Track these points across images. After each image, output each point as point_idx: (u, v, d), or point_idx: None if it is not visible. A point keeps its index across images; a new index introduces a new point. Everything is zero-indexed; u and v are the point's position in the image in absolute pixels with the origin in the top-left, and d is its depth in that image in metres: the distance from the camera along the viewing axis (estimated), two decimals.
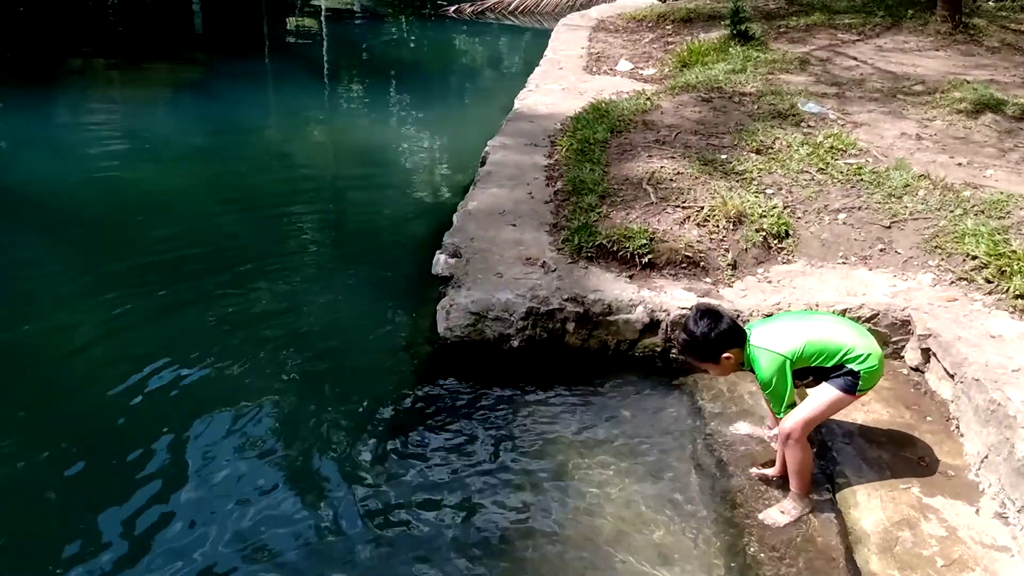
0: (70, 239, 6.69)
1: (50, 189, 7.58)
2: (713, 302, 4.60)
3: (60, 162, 8.38)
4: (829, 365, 3.59)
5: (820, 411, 3.65)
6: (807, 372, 3.65)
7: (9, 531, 3.67)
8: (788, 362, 3.54)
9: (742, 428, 4.29)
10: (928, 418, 4.16)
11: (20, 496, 3.90)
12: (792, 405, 3.63)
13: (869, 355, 3.56)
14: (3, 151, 8.66)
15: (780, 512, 3.76)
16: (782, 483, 3.88)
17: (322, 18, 17.65)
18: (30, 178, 7.84)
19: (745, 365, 3.67)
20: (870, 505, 3.58)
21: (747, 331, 3.65)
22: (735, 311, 4.63)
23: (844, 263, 5.14)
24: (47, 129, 9.52)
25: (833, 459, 3.91)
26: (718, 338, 3.57)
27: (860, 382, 3.57)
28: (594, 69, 9.44)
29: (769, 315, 4.55)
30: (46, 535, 3.68)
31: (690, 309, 3.82)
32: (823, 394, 3.63)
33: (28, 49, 13.61)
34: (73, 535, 3.64)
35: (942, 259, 5.03)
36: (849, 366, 3.56)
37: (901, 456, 3.87)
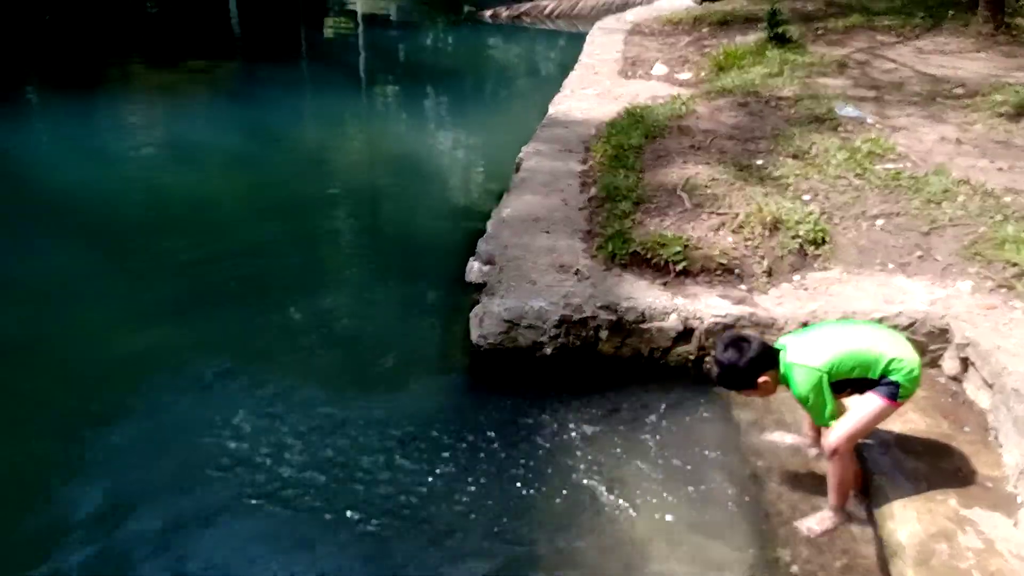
0: (106, 242, 6.82)
1: (87, 192, 7.73)
2: (746, 318, 4.59)
3: (97, 166, 8.54)
4: (868, 377, 3.55)
5: (865, 423, 3.61)
6: (845, 384, 3.60)
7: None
8: (825, 376, 3.51)
9: (777, 438, 4.27)
10: (966, 428, 4.10)
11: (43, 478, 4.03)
12: (835, 415, 3.60)
13: (908, 362, 3.52)
14: (42, 155, 8.84)
15: (816, 523, 3.74)
16: (818, 493, 3.86)
17: (358, 21, 17.77)
18: (67, 181, 8.00)
19: (781, 382, 3.64)
20: (906, 516, 3.54)
21: (781, 348, 3.63)
22: (771, 319, 4.62)
23: (882, 270, 5.09)
24: (85, 133, 9.69)
25: (869, 470, 3.87)
26: (748, 365, 3.54)
27: (900, 390, 3.54)
28: (629, 73, 9.42)
29: (805, 323, 4.52)
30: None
31: (718, 341, 3.79)
32: (867, 405, 3.59)
33: (67, 54, 13.87)
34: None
35: (982, 266, 4.96)
36: (891, 376, 3.52)
37: (938, 467, 3.82)
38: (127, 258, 6.53)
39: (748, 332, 4.01)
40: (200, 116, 10.39)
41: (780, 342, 3.69)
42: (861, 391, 3.62)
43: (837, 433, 3.60)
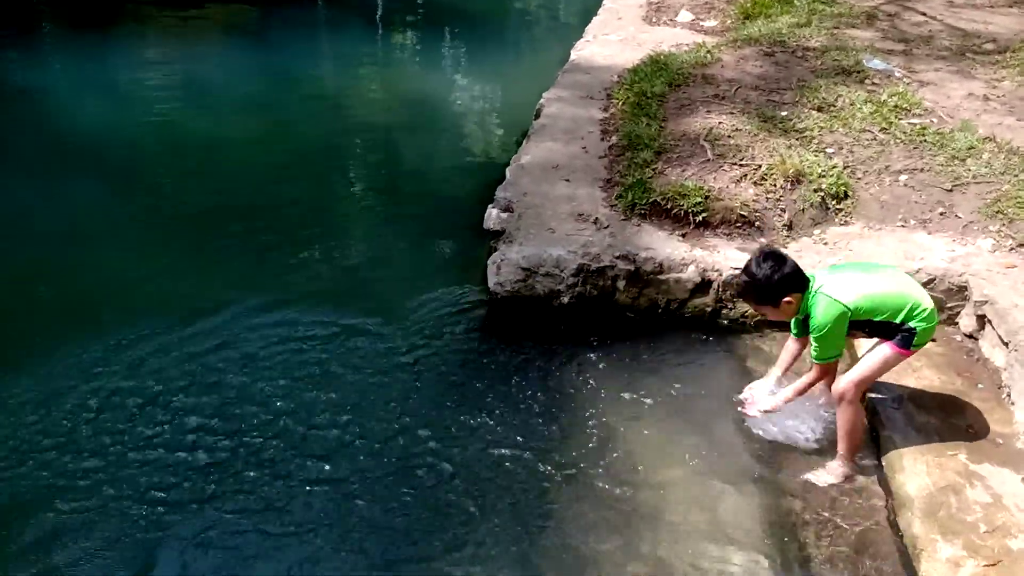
0: (122, 181, 6.84)
1: (102, 132, 7.73)
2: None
3: (113, 108, 8.51)
4: (891, 321, 3.55)
5: (874, 370, 3.66)
6: (864, 324, 3.61)
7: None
8: (848, 313, 3.51)
9: (786, 392, 4.29)
10: (979, 385, 4.12)
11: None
12: (836, 355, 3.63)
13: (927, 312, 3.54)
14: (58, 97, 8.82)
15: (826, 474, 3.79)
16: (829, 446, 3.91)
17: None
18: (82, 121, 7.99)
19: (801, 311, 3.64)
20: (916, 470, 3.59)
21: (811, 277, 3.61)
22: None
23: (903, 226, 5.06)
24: (100, 75, 9.62)
25: (881, 423, 3.91)
26: (781, 281, 3.53)
27: (916, 338, 3.56)
28: (654, 20, 9.26)
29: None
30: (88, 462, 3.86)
31: (753, 251, 3.78)
32: (877, 353, 3.63)
33: None
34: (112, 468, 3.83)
35: (1003, 224, 4.94)
36: (910, 323, 3.53)
37: (950, 422, 3.86)
38: (142, 199, 6.56)
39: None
40: (216, 58, 10.31)
41: (811, 273, 3.67)
42: (878, 333, 3.63)
43: (847, 379, 3.66)
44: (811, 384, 3.81)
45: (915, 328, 3.53)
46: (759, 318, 4.70)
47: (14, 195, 6.42)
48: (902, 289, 3.58)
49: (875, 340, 3.70)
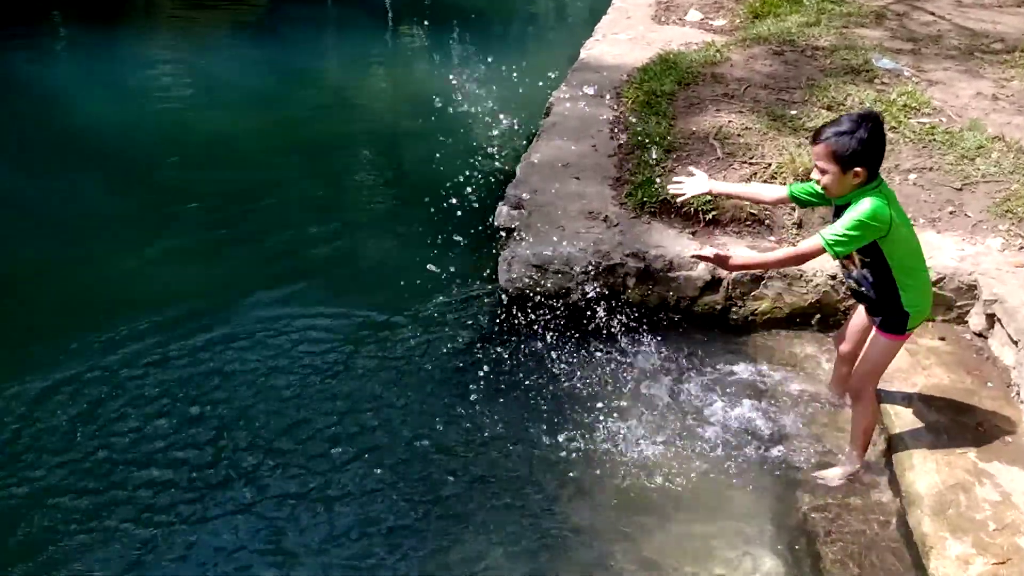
0: (129, 177, 6.90)
1: (113, 130, 7.77)
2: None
3: (122, 103, 8.56)
4: (891, 272, 3.39)
5: (877, 361, 3.65)
6: (872, 253, 3.39)
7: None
8: (887, 228, 3.28)
9: (800, 388, 4.33)
10: (989, 384, 4.14)
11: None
12: (838, 252, 3.36)
13: (927, 293, 3.54)
14: (66, 90, 8.87)
15: (835, 471, 3.81)
16: (840, 444, 3.92)
17: None
18: (92, 116, 8.04)
19: (847, 196, 3.36)
20: (925, 468, 3.60)
21: (881, 179, 3.38)
22: (799, 271, 4.64)
23: (913, 225, 5.04)
24: (110, 71, 9.67)
25: (891, 422, 3.92)
26: (871, 150, 3.26)
27: (909, 321, 3.50)
28: (663, 19, 9.27)
29: (833, 276, 4.57)
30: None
31: (861, 110, 3.55)
32: (874, 346, 3.62)
33: None
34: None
35: (1012, 223, 4.95)
36: (903, 295, 3.43)
37: (959, 421, 3.87)
38: (151, 194, 6.60)
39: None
40: (224, 53, 10.35)
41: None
42: (869, 281, 3.48)
43: (857, 377, 3.69)
44: (783, 259, 3.65)
45: (907, 312, 3.46)
46: (768, 316, 4.72)
47: (23, 188, 6.50)
48: (922, 256, 3.53)
49: (871, 333, 3.68)
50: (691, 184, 3.98)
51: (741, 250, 3.73)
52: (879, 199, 3.29)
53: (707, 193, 4.03)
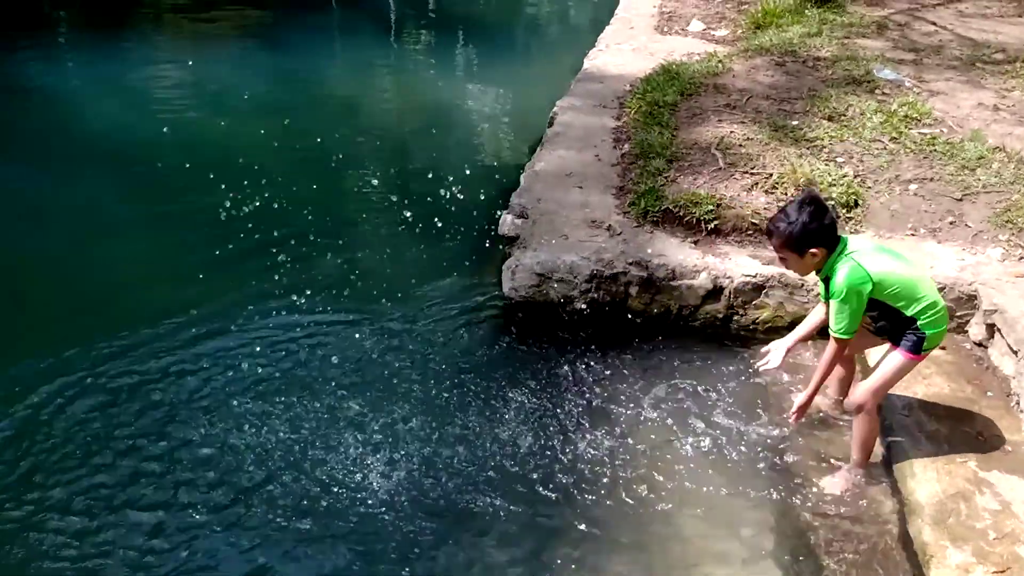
0: (136, 183, 6.95)
1: (118, 135, 7.81)
2: (776, 279, 4.65)
3: (128, 106, 8.61)
4: (902, 311, 3.51)
5: (889, 378, 3.67)
6: (878, 307, 3.54)
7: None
8: (870, 284, 3.43)
9: (799, 398, 4.33)
10: (989, 393, 4.16)
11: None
12: (851, 330, 3.52)
13: (940, 315, 3.55)
14: (74, 98, 8.92)
15: (837, 480, 3.84)
16: (840, 453, 3.95)
17: None
18: (99, 121, 8.09)
19: (822, 272, 3.55)
20: (926, 477, 3.62)
21: (844, 239, 3.53)
22: (800, 280, 4.67)
23: (913, 235, 5.11)
24: (116, 76, 9.73)
25: (892, 431, 3.95)
26: (816, 231, 3.43)
27: (925, 342, 3.56)
28: (665, 29, 9.32)
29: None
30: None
31: (798, 194, 3.71)
32: (891, 361, 3.64)
33: None
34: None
35: (1012, 234, 4.98)
36: (920, 321, 3.51)
37: (960, 430, 3.89)
38: (156, 198, 6.66)
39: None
40: (230, 59, 10.40)
41: (846, 236, 3.59)
42: (886, 320, 3.60)
43: (862, 390, 3.68)
44: (829, 365, 3.71)
45: (924, 333, 3.53)
46: (769, 325, 4.75)
47: (29, 192, 6.56)
48: (924, 281, 3.57)
49: (886, 347, 3.73)
50: (774, 355, 3.90)
51: (808, 390, 3.79)
52: (849, 262, 3.46)
53: (788, 350, 3.94)
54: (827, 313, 3.69)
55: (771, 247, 3.69)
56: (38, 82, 9.18)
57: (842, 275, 3.45)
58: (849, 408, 3.79)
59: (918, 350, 3.59)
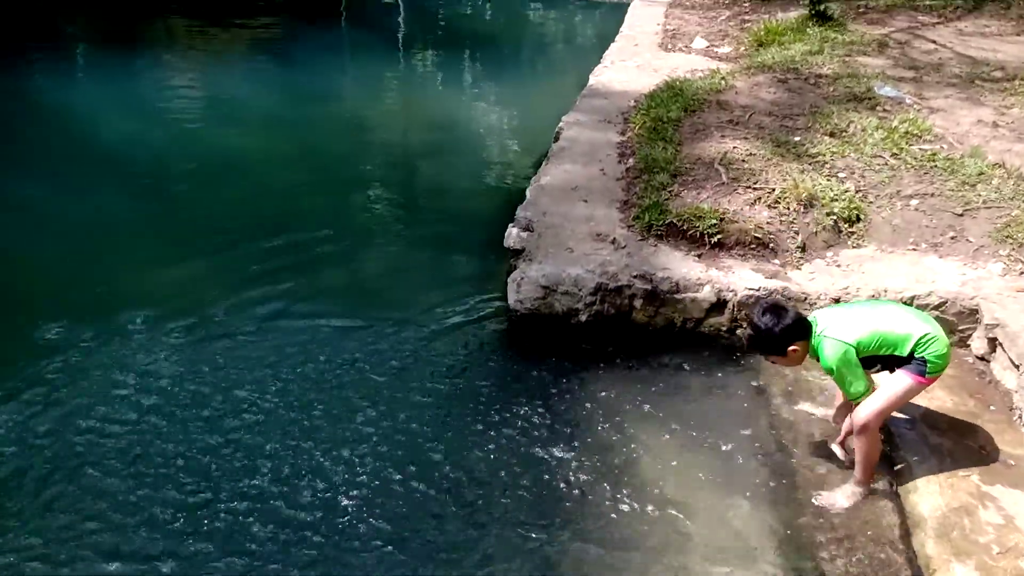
0: (146, 194, 7.01)
1: (130, 145, 7.89)
2: (779, 292, 4.69)
3: (139, 120, 8.68)
4: (899, 355, 3.61)
5: (895, 400, 3.69)
6: (875, 361, 3.67)
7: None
8: (852, 350, 3.57)
9: (806, 410, 4.37)
10: (991, 407, 4.19)
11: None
12: (865, 389, 3.64)
13: (935, 341, 3.58)
14: (88, 110, 8.99)
15: (841, 495, 3.84)
16: (844, 466, 3.97)
17: None
18: (111, 133, 8.16)
19: (811, 355, 3.71)
20: (929, 491, 3.64)
21: (812, 321, 3.69)
22: (803, 294, 4.71)
23: (914, 250, 5.15)
24: (129, 89, 9.85)
25: (895, 444, 3.97)
26: (783, 332, 3.60)
27: (929, 367, 3.60)
28: (669, 46, 9.41)
29: (837, 300, 4.62)
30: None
31: (754, 307, 3.87)
32: (897, 383, 3.66)
33: (112, 10, 14.04)
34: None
35: (1013, 248, 5.02)
36: (918, 354, 3.58)
37: (963, 444, 3.91)
38: (167, 209, 6.74)
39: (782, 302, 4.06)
40: (241, 77, 10.48)
41: (812, 316, 3.76)
42: (891, 368, 3.69)
43: (867, 409, 3.68)
44: (870, 446, 3.82)
45: (924, 359, 3.57)
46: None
47: (41, 202, 6.62)
48: (905, 322, 3.63)
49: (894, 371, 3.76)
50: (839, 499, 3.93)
51: (853, 482, 3.88)
52: (827, 341, 3.60)
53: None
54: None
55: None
56: (51, 95, 9.27)
57: (827, 355, 3.61)
58: (852, 426, 3.82)
59: (923, 375, 3.63)
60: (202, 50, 11.75)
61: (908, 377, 3.64)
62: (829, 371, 3.67)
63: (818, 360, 3.71)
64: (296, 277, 5.59)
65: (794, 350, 3.65)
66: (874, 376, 3.79)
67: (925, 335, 3.59)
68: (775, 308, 3.68)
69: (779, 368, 4.67)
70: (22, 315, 5.07)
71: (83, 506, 3.72)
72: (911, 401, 4.07)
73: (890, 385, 3.69)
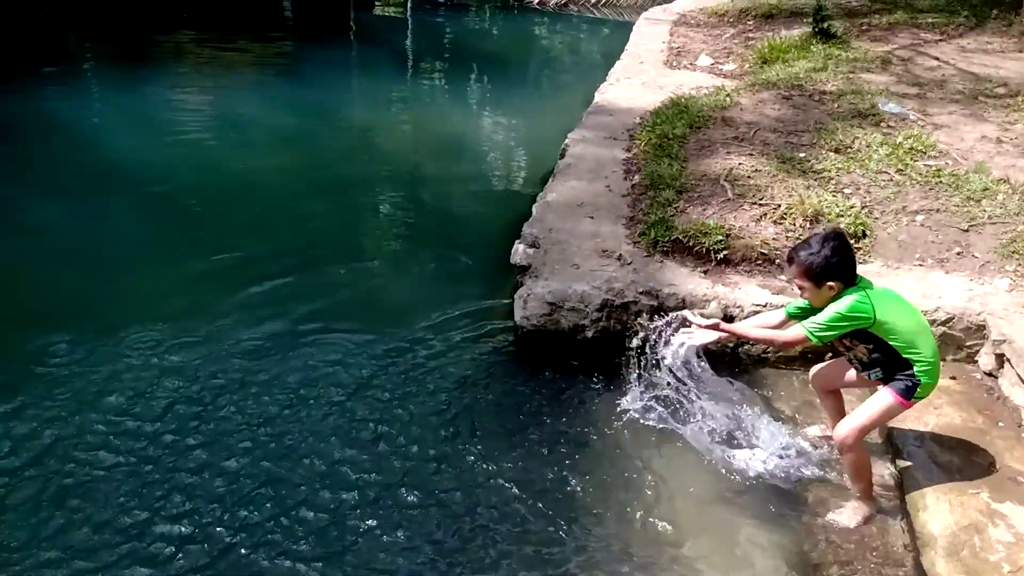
0: (157, 209, 7.05)
1: (141, 164, 7.91)
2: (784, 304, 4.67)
3: (151, 139, 8.72)
4: (899, 352, 3.55)
5: (875, 418, 3.68)
6: (874, 340, 3.59)
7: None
8: (871, 321, 3.49)
9: (814, 431, 4.36)
10: (1000, 423, 4.17)
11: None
12: (819, 340, 3.57)
13: (933, 364, 3.57)
14: (98, 128, 9.06)
15: (848, 514, 3.83)
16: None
17: (407, 5, 17.86)
18: (121, 151, 8.20)
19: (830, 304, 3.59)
20: (938, 509, 3.63)
21: (861, 279, 3.58)
22: None
23: (921, 265, 5.15)
24: (140, 107, 9.91)
25: (904, 461, 3.96)
26: (837, 265, 3.51)
27: (919, 390, 3.58)
28: (674, 64, 9.44)
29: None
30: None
31: (825, 229, 3.78)
32: (879, 401, 3.65)
33: (121, 29, 14.17)
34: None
35: (1019, 264, 5.02)
36: (915, 368, 3.55)
37: (971, 461, 3.90)
38: (176, 224, 6.76)
39: None
40: (250, 94, 10.56)
41: (865, 279, 3.64)
42: (880, 355, 3.62)
43: (847, 426, 3.69)
44: (769, 340, 3.87)
45: (918, 380, 3.55)
46: (781, 354, 4.77)
47: (53, 218, 6.65)
48: (925, 336, 3.60)
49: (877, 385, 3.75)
50: (699, 333, 4.03)
51: (742, 324, 3.90)
52: (860, 296, 3.52)
53: (715, 339, 4.10)
54: (779, 325, 3.88)
55: (789, 274, 3.76)
56: (63, 112, 9.33)
57: (846, 300, 3.52)
58: (836, 443, 3.81)
59: (909, 396, 3.60)
60: (212, 68, 11.84)
61: (892, 397, 3.62)
62: (834, 309, 3.54)
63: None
64: (304, 293, 5.60)
65: (831, 287, 3.55)
66: (856, 392, 3.79)
67: (932, 358, 3.57)
68: (843, 241, 3.57)
69: (785, 387, 4.67)
70: (30, 330, 5.08)
71: (84, 522, 3.73)
72: (919, 419, 4.09)
73: (872, 404, 3.69)
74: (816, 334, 3.58)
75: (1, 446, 4.12)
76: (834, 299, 3.57)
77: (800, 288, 3.68)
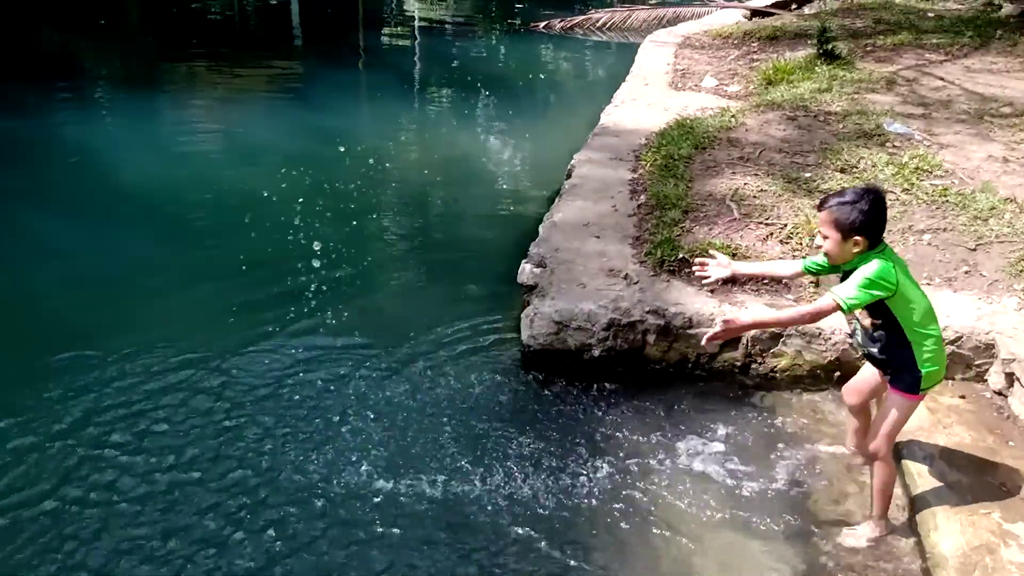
0: (166, 230, 7.09)
1: (151, 186, 7.95)
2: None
3: (162, 162, 8.76)
4: (904, 330, 3.50)
5: (896, 421, 3.66)
6: (884, 315, 3.53)
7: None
8: (893, 290, 3.43)
9: (822, 447, 4.34)
10: (1010, 443, 4.14)
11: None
12: (851, 307, 3.47)
13: (938, 353, 3.55)
14: (109, 150, 9.09)
15: (859, 533, 3.81)
16: (863, 505, 3.93)
17: (415, 28, 17.98)
18: (132, 174, 8.22)
19: (852, 262, 3.52)
20: (950, 529, 3.59)
21: (885, 245, 3.52)
22: (817, 329, 4.69)
23: (928, 284, 5.12)
24: (150, 128, 10.00)
25: (914, 481, 3.93)
26: (871, 222, 3.43)
27: (923, 381, 3.56)
28: (679, 85, 9.48)
29: (851, 334, 4.60)
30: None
31: (865, 184, 3.74)
32: (890, 405, 3.65)
33: (134, 55, 14.32)
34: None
35: None
36: (917, 354, 3.51)
37: (982, 480, 3.87)
38: (185, 245, 6.80)
39: None
40: (261, 117, 10.63)
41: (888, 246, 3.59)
42: (884, 334, 3.57)
43: (876, 437, 3.68)
44: (798, 318, 3.86)
45: (921, 372, 3.53)
46: (788, 374, 4.76)
47: (64, 238, 6.70)
48: (934, 319, 3.57)
49: (885, 391, 3.74)
50: (714, 267, 4.05)
51: (756, 309, 3.83)
52: (885, 261, 3.45)
53: (730, 276, 4.13)
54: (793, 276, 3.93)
55: (818, 220, 3.65)
56: (75, 135, 9.40)
57: (874, 264, 3.44)
58: (867, 456, 3.79)
59: (916, 389, 3.58)
60: (224, 91, 11.94)
61: (899, 397, 3.62)
62: (861, 275, 3.44)
63: (849, 271, 3.55)
64: (312, 310, 5.64)
65: (856, 242, 3.46)
66: (868, 391, 3.81)
67: (937, 341, 3.56)
68: (881, 200, 3.49)
69: (794, 405, 4.66)
70: (40, 348, 5.12)
71: (87, 535, 3.75)
72: (929, 438, 4.07)
73: (886, 411, 3.68)
74: (849, 302, 3.45)
75: (7, 464, 4.13)
76: (857, 257, 3.50)
77: (824, 236, 3.58)
